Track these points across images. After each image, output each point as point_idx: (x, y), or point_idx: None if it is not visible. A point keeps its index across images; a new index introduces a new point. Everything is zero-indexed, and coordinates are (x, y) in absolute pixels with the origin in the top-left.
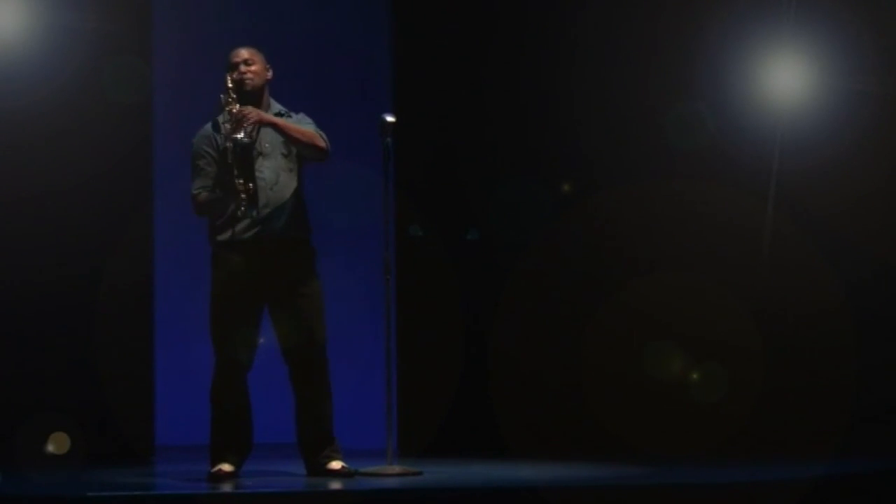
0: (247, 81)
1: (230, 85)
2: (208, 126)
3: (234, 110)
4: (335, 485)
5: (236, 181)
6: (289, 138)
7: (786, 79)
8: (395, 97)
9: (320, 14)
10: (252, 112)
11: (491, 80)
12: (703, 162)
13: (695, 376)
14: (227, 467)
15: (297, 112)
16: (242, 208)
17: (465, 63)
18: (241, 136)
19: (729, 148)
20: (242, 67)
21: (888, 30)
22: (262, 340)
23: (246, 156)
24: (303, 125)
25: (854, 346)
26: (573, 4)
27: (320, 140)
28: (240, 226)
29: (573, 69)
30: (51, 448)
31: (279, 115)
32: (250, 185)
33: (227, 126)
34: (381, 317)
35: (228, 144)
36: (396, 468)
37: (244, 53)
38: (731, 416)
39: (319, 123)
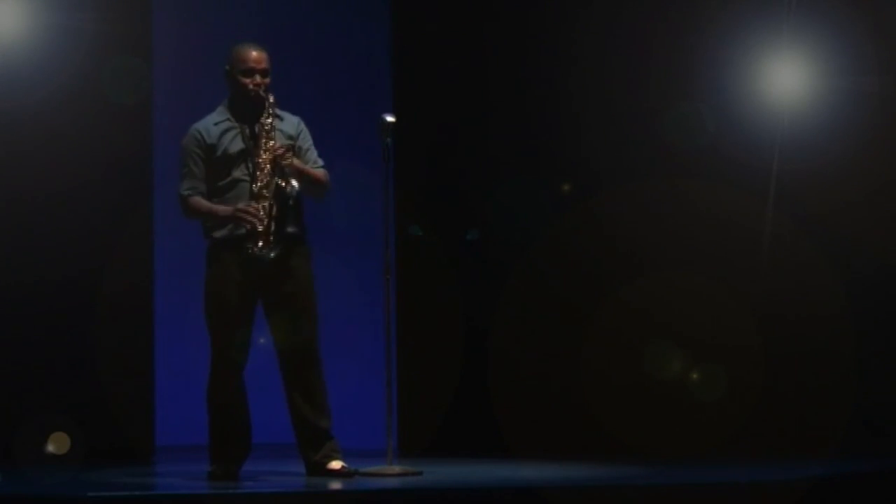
0: (271, 98)
1: (271, 100)
2: (197, 125)
3: (275, 145)
4: (335, 485)
5: (265, 220)
6: (306, 180)
7: (786, 79)
8: (395, 97)
9: (320, 14)
10: (290, 156)
11: (491, 80)
12: (703, 162)
13: (695, 376)
14: (226, 467)
15: (294, 114)
16: (257, 249)
17: (464, 63)
18: (293, 182)
19: (729, 148)
20: (258, 78)
21: (888, 30)
22: (261, 340)
23: (285, 200)
24: (309, 153)
25: (854, 346)
26: (573, 4)
27: (327, 184)
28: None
29: (573, 69)
30: (51, 448)
31: (275, 115)
32: (282, 229)
33: (265, 154)
34: (381, 317)
35: (282, 183)
36: (396, 468)
37: (262, 61)
38: (731, 416)
39: (319, 123)
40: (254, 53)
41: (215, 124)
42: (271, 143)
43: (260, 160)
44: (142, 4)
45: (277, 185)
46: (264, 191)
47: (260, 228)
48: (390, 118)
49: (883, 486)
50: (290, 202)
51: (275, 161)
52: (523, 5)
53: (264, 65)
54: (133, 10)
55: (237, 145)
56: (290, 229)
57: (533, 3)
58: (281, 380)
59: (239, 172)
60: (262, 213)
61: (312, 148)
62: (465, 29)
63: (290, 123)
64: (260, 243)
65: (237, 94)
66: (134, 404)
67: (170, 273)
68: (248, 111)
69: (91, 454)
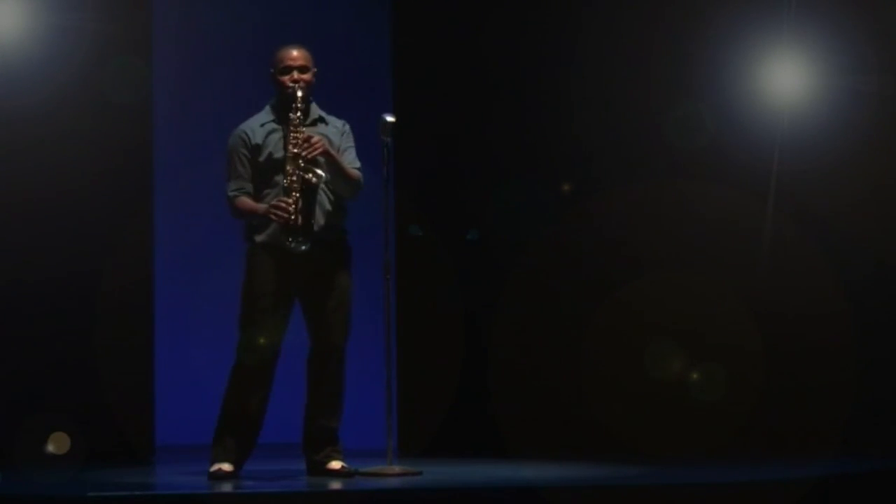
0: (300, 93)
1: (300, 95)
2: (244, 125)
3: (302, 136)
4: (335, 485)
5: (296, 214)
6: (339, 174)
7: (786, 78)
8: (395, 97)
9: (320, 14)
10: (320, 143)
11: (491, 80)
12: (703, 162)
13: (695, 376)
14: (226, 467)
15: (339, 118)
16: (290, 241)
17: (465, 62)
18: (319, 172)
19: (729, 148)
20: (296, 74)
21: (888, 29)
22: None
23: (313, 192)
24: (347, 154)
25: (854, 346)
26: (574, 4)
27: (360, 184)
28: (276, 228)
29: (573, 69)
30: (51, 448)
31: (320, 119)
32: (311, 221)
33: (294, 149)
34: (381, 317)
35: (308, 175)
36: (396, 468)
37: (300, 58)
38: (731, 416)
39: None
40: (292, 52)
41: (261, 125)
42: (297, 135)
43: (290, 155)
44: (142, 4)
45: (302, 178)
46: (294, 184)
47: (291, 222)
48: (390, 118)
49: (883, 486)
50: (319, 195)
51: (299, 153)
52: (523, 5)
53: (301, 62)
54: (133, 10)
55: (281, 150)
56: (321, 222)
57: (533, 4)
58: (306, 375)
59: (283, 178)
60: (292, 206)
61: (351, 149)
62: (465, 29)
63: (335, 127)
64: (296, 237)
65: (279, 94)
66: (134, 404)
67: (170, 273)
68: (289, 111)
69: (91, 454)
